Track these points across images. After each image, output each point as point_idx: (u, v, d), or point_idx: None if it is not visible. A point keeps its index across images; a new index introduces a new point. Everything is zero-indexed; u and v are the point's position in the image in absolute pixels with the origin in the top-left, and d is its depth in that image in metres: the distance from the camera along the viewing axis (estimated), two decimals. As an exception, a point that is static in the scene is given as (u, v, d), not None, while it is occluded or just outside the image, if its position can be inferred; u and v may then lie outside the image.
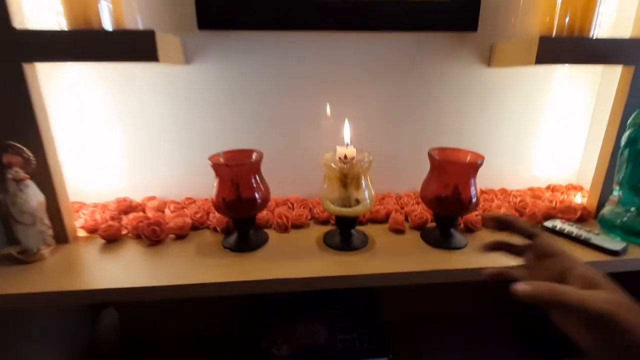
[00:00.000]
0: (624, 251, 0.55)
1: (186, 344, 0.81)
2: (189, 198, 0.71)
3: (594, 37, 0.59)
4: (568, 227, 0.62)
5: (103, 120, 0.67)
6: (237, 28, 0.62)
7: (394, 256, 0.56)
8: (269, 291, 0.50)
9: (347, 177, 0.54)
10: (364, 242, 0.59)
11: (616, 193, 0.62)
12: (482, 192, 0.77)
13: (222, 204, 0.54)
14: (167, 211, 0.66)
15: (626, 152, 0.58)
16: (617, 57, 0.59)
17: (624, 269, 0.55)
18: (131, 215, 0.63)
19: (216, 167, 0.52)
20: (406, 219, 0.66)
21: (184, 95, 0.66)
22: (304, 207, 0.68)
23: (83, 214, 0.64)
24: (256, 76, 0.66)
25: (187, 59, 0.64)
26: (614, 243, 0.56)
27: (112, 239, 0.59)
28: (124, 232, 0.61)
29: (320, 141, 0.71)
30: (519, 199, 0.71)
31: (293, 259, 0.54)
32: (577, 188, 0.79)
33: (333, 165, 0.53)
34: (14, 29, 0.48)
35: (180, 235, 0.60)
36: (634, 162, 0.57)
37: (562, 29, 0.61)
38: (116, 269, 0.52)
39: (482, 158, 0.54)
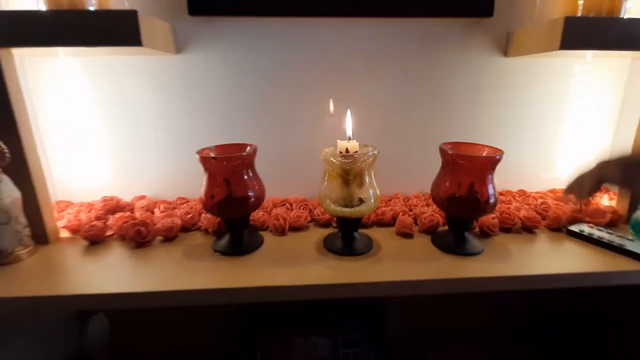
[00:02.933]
0: (664, 259, 0.49)
1: (177, 355, 0.75)
2: (182, 198, 0.67)
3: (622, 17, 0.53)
4: (598, 232, 0.55)
5: (92, 115, 0.63)
6: (231, 14, 0.57)
7: (402, 262, 0.50)
8: (262, 300, 0.45)
9: (349, 174, 0.48)
10: (368, 247, 0.53)
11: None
12: (499, 193, 0.70)
13: (211, 202, 0.49)
14: (156, 211, 0.62)
15: (664, 148, 0.52)
16: (654, 41, 0.52)
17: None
18: (117, 215, 0.58)
19: (204, 161, 0.48)
20: (415, 222, 0.60)
21: (176, 87, 0.62)
22: (303, 208, 0.63)
23: (68, 213, 0.60)
24: (252, 66, 0.62)
25: (178, 48, 0.60)
26: (653, 250, 0.50)
27: (95, 241, 0.55)
28: (109, 233, 0.56)
29: (322, 137, 0.66)
30: (540, 201, 0.65)
31: (289, 264, 0.49)
32: (604, 190, 0.72)
33: (333, 160, 0.48)
34: (-13, 11, 0.44)
35: (169, 237, 0.56)
36: (675, 159, 0.51)
37: (588, 10, 0.55)
38: (98, 273, 0.48)
39: (501, 152, 0.48)
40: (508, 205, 0.64)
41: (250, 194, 0.50)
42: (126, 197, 0.67)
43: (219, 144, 0.57)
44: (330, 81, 0.64)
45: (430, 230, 0.58)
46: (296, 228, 0.59)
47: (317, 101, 0.65)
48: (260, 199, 0.52)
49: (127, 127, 0.64)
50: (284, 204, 0.65)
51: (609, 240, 0.53)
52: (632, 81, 0.67)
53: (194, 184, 0.65)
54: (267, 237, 0.57)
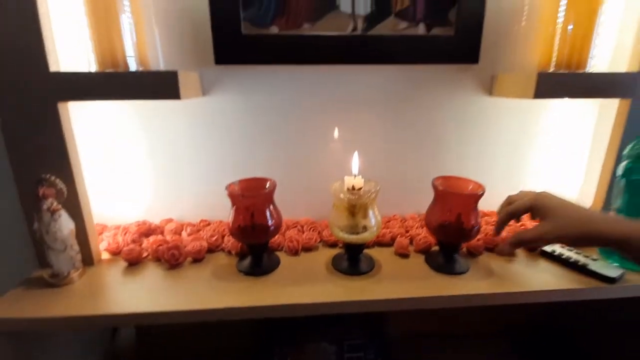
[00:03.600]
0: (620, 278, 0.58)
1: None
2: (204, 220, 0.75)
3: (591, 71, 0.62)
4: (567, 252, 0.64)
5: (124, 148, 0.71)
6: (250, 63, 0.65)
7: (400, 281, 0.58)
8: (281, 315, 0.54)
9: (355, 207, 0.57)
10: (371, 266, 0.62)
11: (614, 220, 0.64)
12: (485, 214, 0.79)
13: (238, 230, 0.57)
14: (184, 234, 0.70)
15: (622, 182, 0.61)
16: (614, 90, 0.61)
17: (619, 295, 0.57)
18: (151, 239, 0.66)
19: (233, 197, 0.56)
20: (411, 242, 0.69)
21: (202, 123, 0.70)
22: (313, 230, 0.71)
23: (106, 236, 0.68)
24: (269, 106, 0.70)
25: (204, 91, 0.68)
26: (611, 269, 0.59)
27: (133, 262, 0.63)
28: (145, 254, 0.65)
29: (329, 167, 0.75)
30: (520, 222, 0.74)
31: (303, 284, 0.58)
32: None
33: (342, 196, 0.56)
34: (49, 72, 0.52)
35: (197, 258, 0.64)
36: (630, 192, 0.60)
37: (560, 62, 0.64)
38: (138, 293, 0.56)
39: (483, 189, 0.57)
40: (493, 226, 0.72)
41: (270, 223, 0.58)
42: (154, 218, 0.75)
43: (239, 172, 0.65)
44: (336, 118, 0.73)
45: (424, 250, 0.67)
46: (307, 248, 0.68)
47: (324, 135, 0.73)
48: (278, 227, 0.60)
49: (157, 158, 0.72)
50: (295, 226, 0.73)
51: (574, 260, 0.62)
52: (603, 111, 0.75)
53: (215, 207, 0.74)
54: (283, 257, 0.66)
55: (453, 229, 0.59)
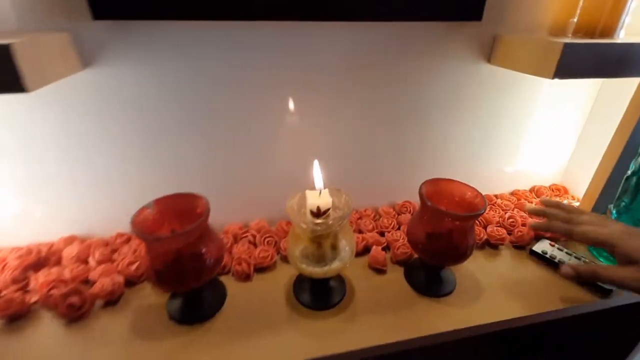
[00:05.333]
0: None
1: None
2: (121, 234, 0.57)
3: (620, 41, 0.48)
4: (558, 254, 0.57)
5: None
6: (153, 18, 0.42)
7: (377, 314, 0.47)
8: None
9: (322, 237, 0.42)
10: (342, 294, 0.50)
11: (612, 217, 0.56)
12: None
13: (158, 279, 0.41)
14: (91, 260, 0.52)
15: (634, 179, 0.51)
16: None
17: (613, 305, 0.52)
18: (41, 277, 0.48)
19: (148, 243, 0.38)
20: (387, 247, 0.58)
21: (89, 106, 0.47)
22: (268, 243, 0.57)
23: (-27, 275, 0.48)
24: (186, 80, 0.48)
25: (86, 61, 0.44)
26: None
27: (16, 317, 0.45)
28: (34, 299, 0.47)
29: (281, 155, 0.58)
30: (508, 214, 0.64)
31: (257, 331, 0.44)
32: (561, 190, 0.74)
33: (303, 225, 0.41)
34: None
35: (111, 299, 0.48)
36: (641, 192, 0.51)
37: (583, 22, 0.48)
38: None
39: (485, 203, 0.44)
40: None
41: (206, 259, 0.42)
42: (51, 236, 0.55)
43: (156, 163, 0.51)
44: (286, 92, 0.54)
45: (403, 262, 0.56)
46: (262, 268, 0.54)
47: (271, 115, 0.55)
48: (219, 260, 0.44)
49: (41, 156, 0.50)
50: (245, 236, 0.58)
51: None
52: (601, 95, 0.64)
53: (132, 214, 0.55)
54: (230, 284, 0.51)
55: (443, 251, 0.47)
